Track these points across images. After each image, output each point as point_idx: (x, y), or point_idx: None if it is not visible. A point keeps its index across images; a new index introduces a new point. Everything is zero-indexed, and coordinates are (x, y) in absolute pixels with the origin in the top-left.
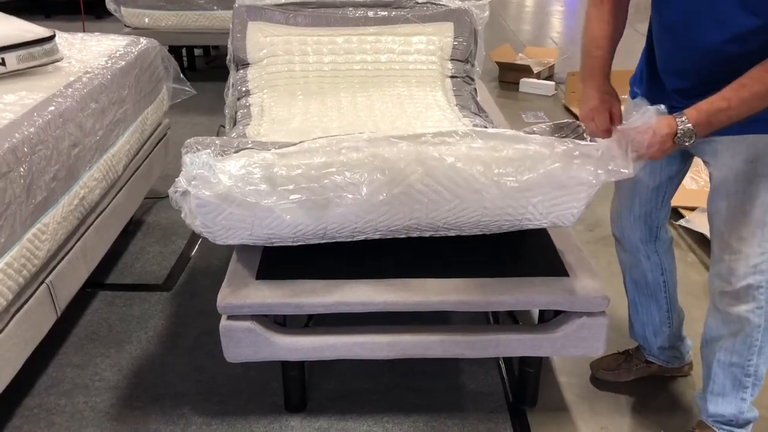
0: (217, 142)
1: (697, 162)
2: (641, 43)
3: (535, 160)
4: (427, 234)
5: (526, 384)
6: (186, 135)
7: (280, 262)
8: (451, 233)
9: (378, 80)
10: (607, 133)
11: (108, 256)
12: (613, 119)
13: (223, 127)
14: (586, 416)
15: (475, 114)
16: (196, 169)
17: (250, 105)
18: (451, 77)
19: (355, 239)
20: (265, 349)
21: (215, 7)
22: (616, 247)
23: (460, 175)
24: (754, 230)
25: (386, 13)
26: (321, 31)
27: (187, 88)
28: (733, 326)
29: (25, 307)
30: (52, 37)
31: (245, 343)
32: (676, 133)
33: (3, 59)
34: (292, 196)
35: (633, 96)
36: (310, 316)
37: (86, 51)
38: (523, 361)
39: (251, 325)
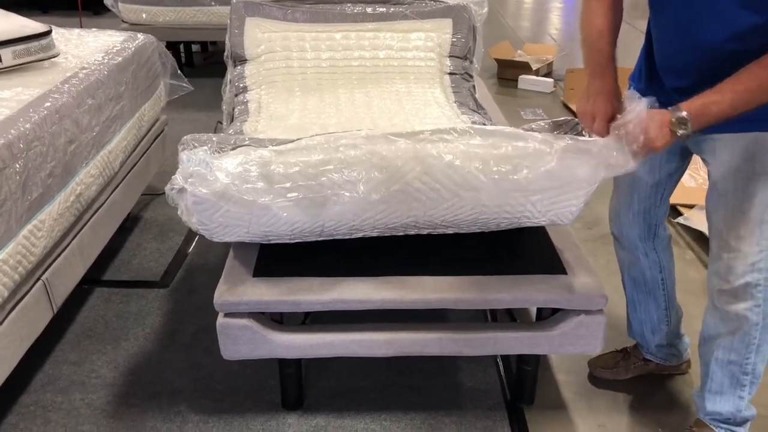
0: (214, 139)
1: (695, 159)
2: (640, 41)
3: (533, 158)
4: (425, 231)
5: (524, 382)
6: (183, 131)
7: (277, 259)
8: (449, 231)
9: (376, 77)
10: (607, 132)
11: (105, 253)
12: (613, 119)
13: (221, 123)
14: (583, 414)
15: (474, 111)
16: (193, 166)
17: (247, 101)
18: (450, 74)
19: (352, 237)
20: (262, 347)
21: (213, 3)
22: (614, 245)
23: (458, 173)
24: (752, 228)
25: (384, 9)
26: (319, 28)
27: (184, 85)
28: (732, 324)
29: (21, 303)
30: (48, 33)
31: (242, 341)
32: (671, 120)
33: None
34: (290, 194)
35: None
36: (307, 314)
37: (83, 47)
38: (521, 358)
39: (248, 322)
